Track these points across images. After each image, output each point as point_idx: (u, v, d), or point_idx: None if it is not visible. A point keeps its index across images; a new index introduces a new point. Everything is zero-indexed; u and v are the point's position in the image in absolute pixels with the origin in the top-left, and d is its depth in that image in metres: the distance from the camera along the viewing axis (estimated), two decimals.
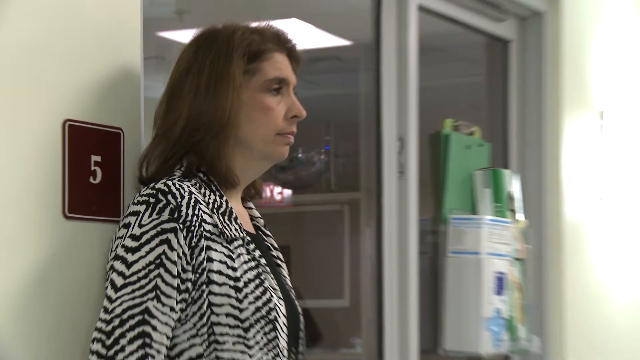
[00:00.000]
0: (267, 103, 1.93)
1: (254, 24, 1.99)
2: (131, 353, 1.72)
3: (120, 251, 1.80)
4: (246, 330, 1.85)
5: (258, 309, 1.86)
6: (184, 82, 1.95)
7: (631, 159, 4.16)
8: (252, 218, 2.09)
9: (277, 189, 3.95)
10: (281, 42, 1.96)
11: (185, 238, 1.81)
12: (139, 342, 1.75)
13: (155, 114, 1.99)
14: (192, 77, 1.94)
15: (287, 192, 4.01)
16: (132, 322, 1.76)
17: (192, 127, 1.91)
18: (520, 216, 3.38)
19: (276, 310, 1.90)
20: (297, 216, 4.18)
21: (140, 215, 1.82)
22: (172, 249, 1.80)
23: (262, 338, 1.86)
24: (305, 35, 3.62)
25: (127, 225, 1.82)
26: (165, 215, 1.80)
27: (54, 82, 1.89)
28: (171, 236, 1.80)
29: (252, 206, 2.13)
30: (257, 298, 1.87)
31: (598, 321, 4.11)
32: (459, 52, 4.14)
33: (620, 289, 4.32)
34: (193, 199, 1.86)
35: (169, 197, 1.82)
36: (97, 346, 1.74)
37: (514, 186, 3.38)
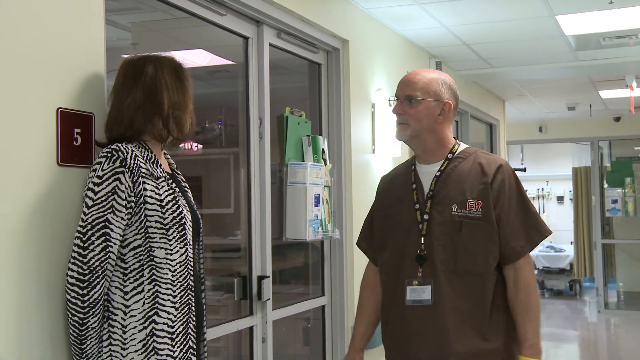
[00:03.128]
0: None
1: (168, 54, 2.24)
2: (98, 245, 1.98)
3: (91, 185, 2.02)
4: (167, 230, 2.08)
5: (174, 217, 2.10)
6: (157, 92, 2.14)
7: (385, 129, 4.72)
8: (169, 164, 2.36)
9: (194, 145, 4.16)
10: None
11: (129, 177, 2.02)
12: (102, 238, 1.98)
13: (128, 110, 2.13)
14: (163, 91, 2.14)
15: (200, 146, 4.22)
16: (98, 226, 1.99)
17: (174, 116, 2.20)
18: (327, 162, 3.99)
19: (185, 217, 2.14)
20: (205, 160, 4.37)
21: (102, 163, 2.04)
22: (121, 183, 2.02)
23: (177, 234, 2.11)
24: (208, 58, 4.00)
25: (95, 170, 2.05)
26: (117, 163, 2.03)
27: (53, 85, 2.10)
28: (121, 176, 2.02)
29: (169, 157, 2.37)
30: (174, 211, 2.11)
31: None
32: (294, 69, 4.43)
33: None
34: (134, 154, 2.06)
35: (120, 153, 2.05)
36: (77, 241, 1.99)
37: (324, 145, 3.98)
